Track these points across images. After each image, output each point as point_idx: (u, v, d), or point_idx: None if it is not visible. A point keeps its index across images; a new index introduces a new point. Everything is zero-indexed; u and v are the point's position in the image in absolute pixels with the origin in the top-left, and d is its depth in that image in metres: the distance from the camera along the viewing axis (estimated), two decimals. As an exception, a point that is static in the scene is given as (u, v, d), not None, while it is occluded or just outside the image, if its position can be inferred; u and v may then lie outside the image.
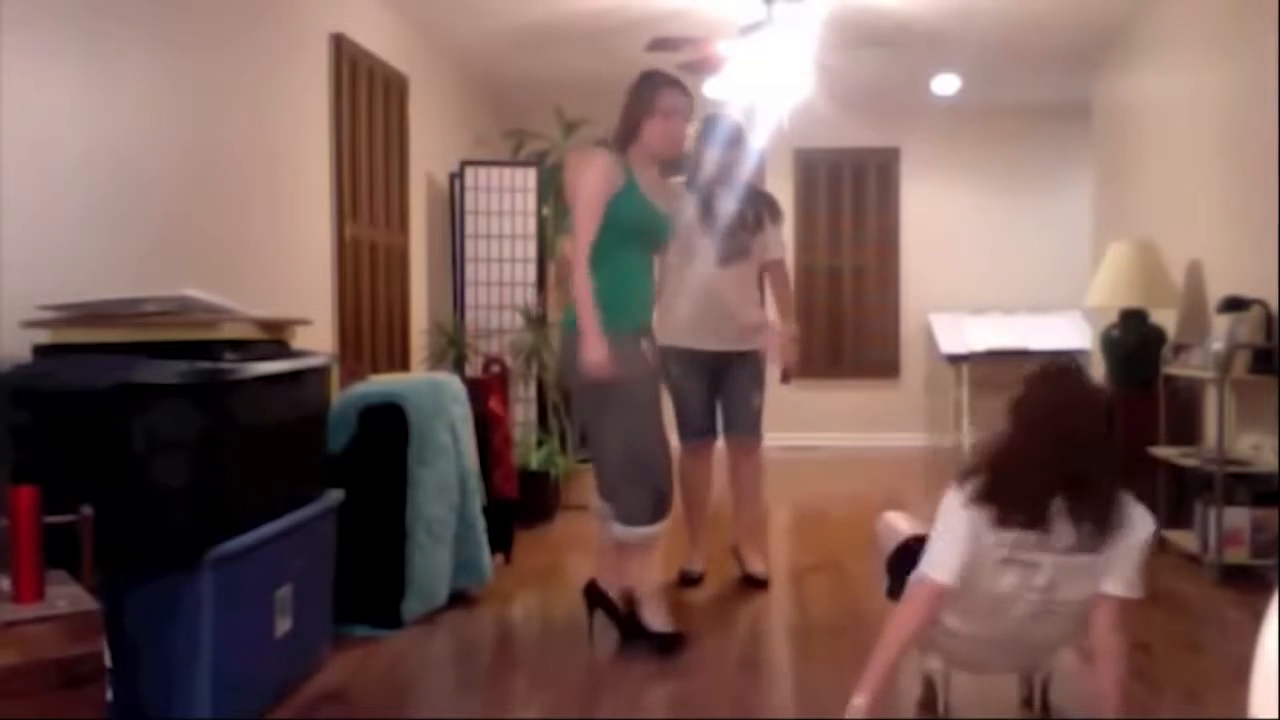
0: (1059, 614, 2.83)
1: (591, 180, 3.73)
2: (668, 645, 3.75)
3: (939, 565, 2.79)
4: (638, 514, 3.73)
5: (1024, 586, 2.78)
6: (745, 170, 4.61)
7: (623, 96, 3.89)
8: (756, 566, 4.67)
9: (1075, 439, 2.76)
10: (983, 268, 9.17)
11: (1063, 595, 2.79)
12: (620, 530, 3.77)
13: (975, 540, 2.75)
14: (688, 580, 4.62)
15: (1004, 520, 2.74)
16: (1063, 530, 2.74)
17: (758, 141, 8.21)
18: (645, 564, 3.84)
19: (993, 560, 2.77)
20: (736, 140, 4.54)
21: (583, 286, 3.64)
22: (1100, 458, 2.81)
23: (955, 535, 2.77)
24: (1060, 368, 2.90)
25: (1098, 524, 2.74)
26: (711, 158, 4.49)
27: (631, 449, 3.71)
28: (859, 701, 2.76)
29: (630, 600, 3.86)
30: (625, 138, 3.81)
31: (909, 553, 2.99)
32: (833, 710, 3.29)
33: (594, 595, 3.92)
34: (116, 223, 3.56)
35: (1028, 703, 3.17)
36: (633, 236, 3.74)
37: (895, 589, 3.07)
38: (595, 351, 3.59)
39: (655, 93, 3.80)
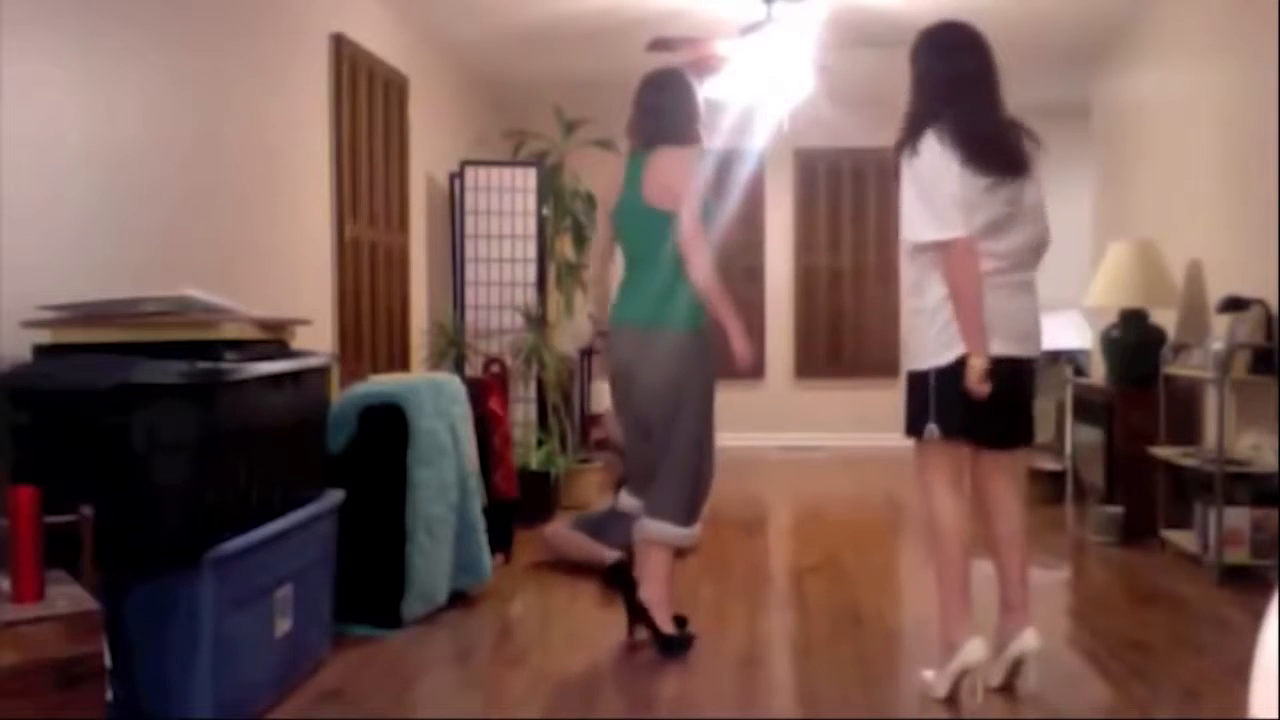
0: (1030, 222, 3.29)
1: (697, 173, 3.79)
2: (675, 647, 3.76)
3: (955, 224, 3.12)
4: (691, 515, 3.79)
5: (998, 202, 3.17)
6: None
7: (628, 95, 3.91)
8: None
9: (956, 74, 3.22)
10: (982, 268, 9.16)
11: (1025, 200, 3.27)
12: (669, 529, 3.80)
13: (956, 184, 3.11)
14: None
15: (965, 161, 3.11)
16: (1000, 162, 3.17)
17: (758, 142, 8.28)
18: (666, 566, 3.83)
19: (975, 196, 3.14)
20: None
21: (716, 278, 3.71)
22: (991, 94, 3.24)
23: (944, 191, 3.12)
24: (939, 27, 3.35)
25: (1013, 150, 3.20)
26: None
27: (702, 446, 3.80)
28: (977, 361, 3.14)
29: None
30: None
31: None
32: (833, 710, 3.30)
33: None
34: (116, 223, 3.56)
35: (1005, 688, 3.20)
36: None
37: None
38: (742, 334, 3.74)
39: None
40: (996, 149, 3.17)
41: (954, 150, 3.11)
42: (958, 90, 3.20)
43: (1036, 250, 3.34)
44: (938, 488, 3.29)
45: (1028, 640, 3.23)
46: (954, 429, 3.25)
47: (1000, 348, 3.18)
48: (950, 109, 3.16)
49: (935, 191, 3.13)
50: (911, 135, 3.18)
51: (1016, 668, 3.26)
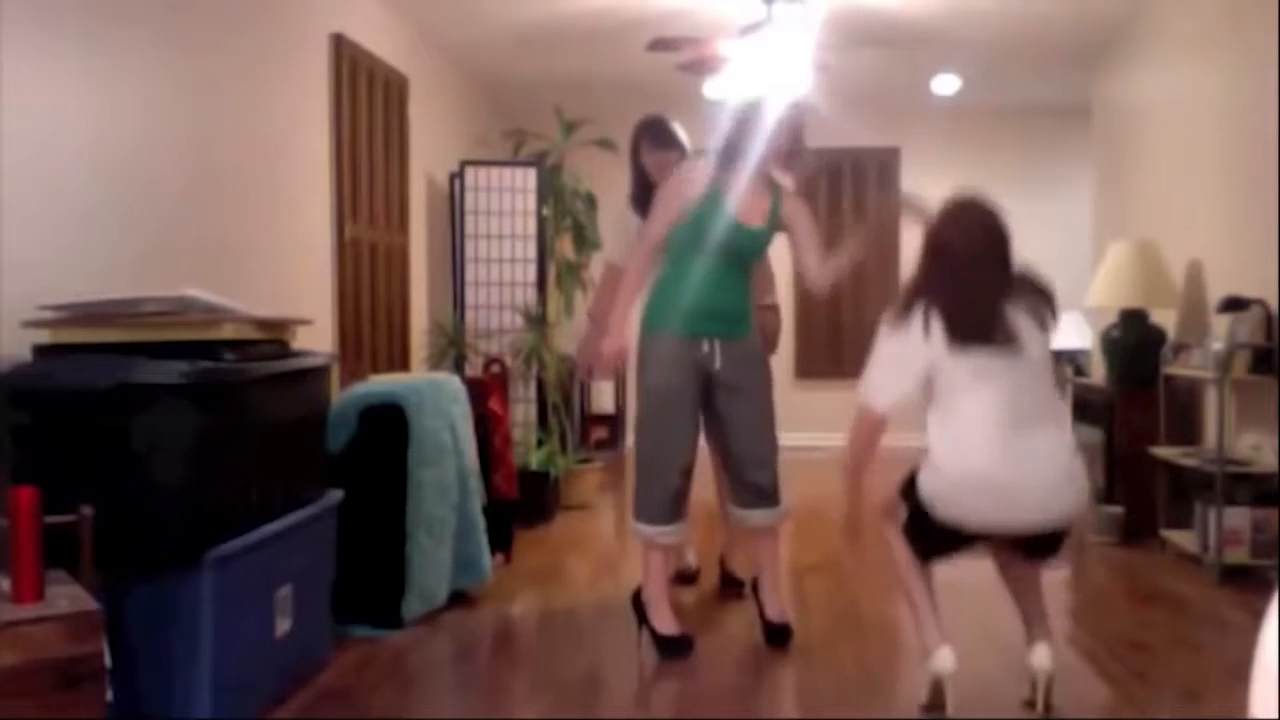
0: (1033, 397, 3.08)
1: (672, 185, 3.83)
2: (674, 649, 3.75)
3: (875, 391, 3.19)
4: (648, 513, 3.79)
5: (990, 387, 3.05)
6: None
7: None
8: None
9: (968, 256, 3.14)
10: (982, 268, 9.16)
11: (1029, 391, 3.07)
12: (633, 525, 3.84)
13: (914, 363, 3.10)
14: (683, 578, 4.62)
15: (951, 332, 3.07)
16: (997, 333, 3.08)
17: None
18: (652, 564, 3.84)
19: (959, 374, 3.07)
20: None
21: (625, 281, 3.82)
22: (991, 271, 3.14)
23: (888, 362, 3.18)
24: (958, 202, 3.24)
25: (1008, 332, 3.08)
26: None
27: (649, 445, 3.79)
28: (846, 506, 3.39)
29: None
30: (731, 150, 3.80)
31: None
32: (833, 710, 3.30)
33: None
34: (117, 222, 3.56)
35: (1030, 704, 3.17)
36: (700, 244, 3.74)
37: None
38: (612, 340, 3.79)
39: (763, 111, 3.81)
40: (975, 320, 3.10)
41: (937, 330, 3.08)
42: (954, 264, 3.15)
43: (1041, 378, 3.15)
44: (891, 527, 3.30)
45: (1037, 658, 3.18)
46: (914, 538, 3.24)
47: (994, 520, 3.08)
48: (953, 289, 3.12)
49: (882, 353, 3.21)
50: (906, 306, 3.16)
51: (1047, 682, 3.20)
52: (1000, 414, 3.03)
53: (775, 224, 3.85)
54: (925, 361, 3.10)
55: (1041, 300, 3.20)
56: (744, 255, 3.83)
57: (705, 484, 4.53)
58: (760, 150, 3.76)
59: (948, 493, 3.08)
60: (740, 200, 3.75)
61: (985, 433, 3.03)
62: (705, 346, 3.77)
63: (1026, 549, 3.24)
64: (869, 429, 3.23)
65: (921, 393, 3.14)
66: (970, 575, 4.42)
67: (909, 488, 3.20)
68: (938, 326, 3.08)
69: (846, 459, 3.31)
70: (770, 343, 4.53)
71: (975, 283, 3.13)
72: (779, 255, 4.72)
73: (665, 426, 3.76)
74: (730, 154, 3.79)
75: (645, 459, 3.81)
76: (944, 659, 3.12)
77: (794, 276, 9.34)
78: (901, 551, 3.28)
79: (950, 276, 3.15)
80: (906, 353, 3.13)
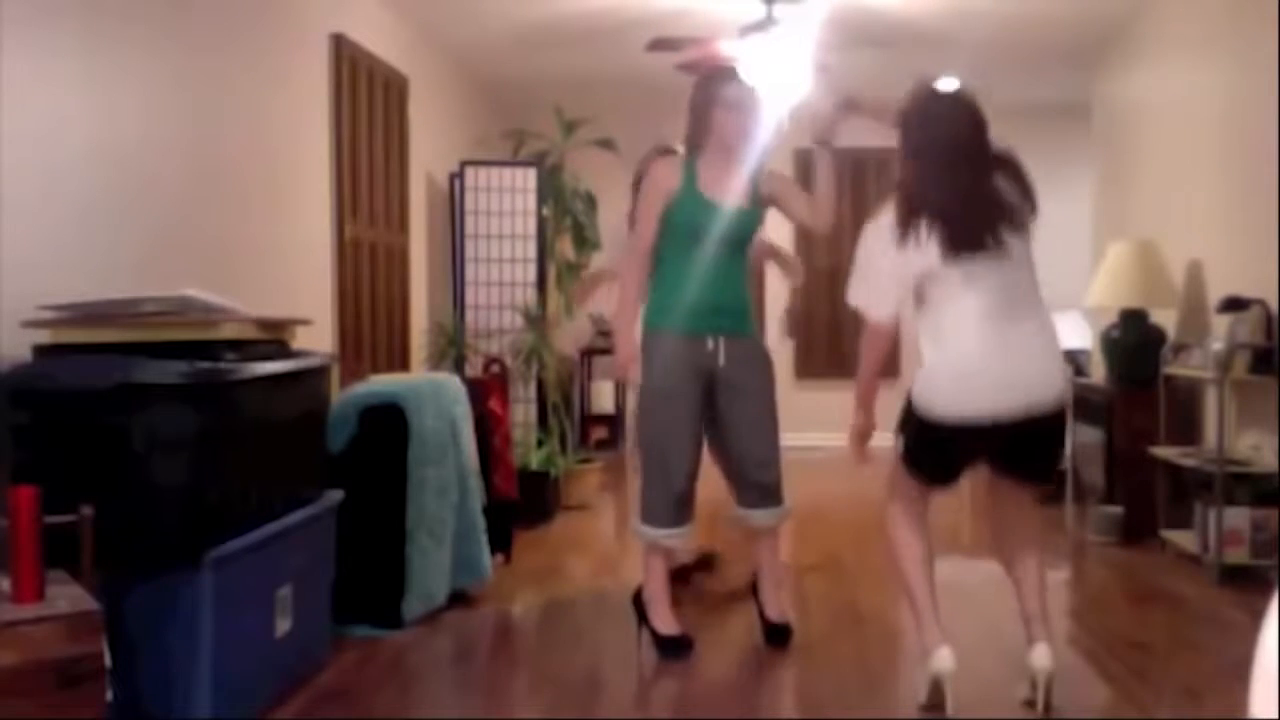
0: (1017, 294, 3.14)
1: (646, 187, 3.83)
2: (674, 649, 3.75)
3: (875, 305, 3.21)
4: (654, 515, 3.78)
5: (978, 289, 3.10)
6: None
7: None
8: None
9: (954, 147, 3.17)
10: (983, 268, 9.15)
11: (1016, 282, 3.14)
12: (638, 527, 3.82)
13: (910, 270, 3.12)
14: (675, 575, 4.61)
15: (945, 244, 3.08)
16: (985, 238, 3.11)
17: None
18: (653, 565, 3.83)
19: (950, 281, 3.10)
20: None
21: (623, 289, 3.82)
22: (976, 168, 3.17)
23: (884, 273, 3.18)
24: (926, 97, 3.29)
25: (998, 237, 3.12)
26: None
27: (653, 449, 3.79)
28: (858, 419, 3.35)
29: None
30: (695, 136, 3.82)
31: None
32: (833, 710, 3.30)
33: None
34: (117, 222, 3.56)
35: (1030, 704, 3.17)
36: (689, 236, 3.74)
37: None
38: (620, 352, 3.80)
39: (719, 87, 3.80)
40: (969, 232, 3.11)
41: (932, 241, 3.09)
42: (943, 165, 3.16)
43: (1024, 274, 3.21)
44: (896, 514, 3.31)
45: (1037, 658, 3.18)
46: (916, 463, 3.27)
47: (991, 405, 3.08)
48: (942, 198, 3.13)
49: (879, 267, 3.19)
50: (902, 221, 3.15)
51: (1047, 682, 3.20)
52: (989, 311, 3.10)
53: (760, 201, 3.84)
54: (919, 270, 3.13)
55: (1021, 197, 3.23)
56: (738, 240, 3.82)
57: (707, 482, 4.54)
58: (748, 135, 3.77)
59: (946, 390, 3.11)
60: (721, 184, 3.76)
61: (976, 328, 3.10)
62: (710, 344, 3.76)
63: (1022, 469, 3.26)
64: (876, 339, 3.28)
65: (912, 298, 3.19)
66: (970, 575, 4.43)
67: (906, 419, 3.24)
68: (931, 237, 3.10)
69: (861, 370, 3.35)
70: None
71: (963, 184, 3.15)
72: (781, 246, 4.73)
73: (669, 429, 3.75)
74: (694, 138, 3.80)
75: (650, 462, 3.81)
76: (943, 659, 3.13)
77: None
78: (903, 542, 3.27)
79: (935, 181, 3.15)
80: (901, 262, 3.14)
